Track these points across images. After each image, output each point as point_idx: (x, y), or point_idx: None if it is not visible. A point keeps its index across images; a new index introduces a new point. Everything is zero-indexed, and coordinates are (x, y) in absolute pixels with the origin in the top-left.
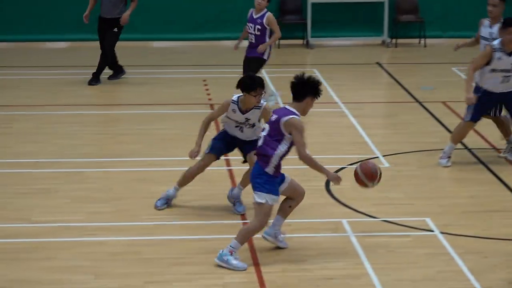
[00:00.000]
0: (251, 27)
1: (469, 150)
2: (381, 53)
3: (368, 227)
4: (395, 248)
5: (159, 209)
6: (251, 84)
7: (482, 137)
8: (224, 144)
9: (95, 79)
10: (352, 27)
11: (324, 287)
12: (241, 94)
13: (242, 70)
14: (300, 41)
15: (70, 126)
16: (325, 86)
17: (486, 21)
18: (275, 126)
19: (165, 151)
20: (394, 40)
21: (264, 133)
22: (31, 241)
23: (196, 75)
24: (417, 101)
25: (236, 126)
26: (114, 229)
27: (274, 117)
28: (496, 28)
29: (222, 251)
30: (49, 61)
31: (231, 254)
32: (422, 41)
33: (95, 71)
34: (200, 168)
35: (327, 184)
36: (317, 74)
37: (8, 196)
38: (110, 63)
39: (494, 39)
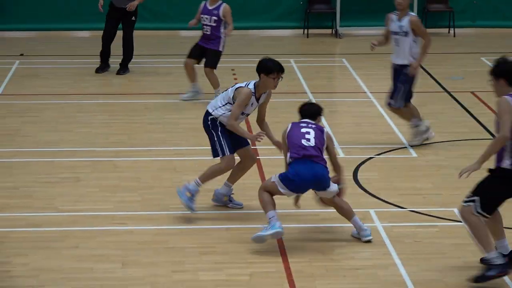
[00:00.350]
0: (206, 18)
1: None
2: None
3: (396, 217)
4: (423, 239)
5: (195, 211)
6: (272, 66)
7: None
8: (231, 139)
9: (122, 69)
10: (381, 16)
11: (351, 277)
12: (254, 81)
13: (193, 52)
14: (329, 31)
15: (98, 115)
16: (354, 75)
17: (393, 16)
18: (319, 134)
19: (193, 140)
20: None
21: (311, 136)
22: (59, 229)
23: (224, 64)
24: (446, 91)
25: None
26: (141, 218)
27: (310, 125)
28: (405, 21)
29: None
30: (75, 50)
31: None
32: (452, 30)
33: (121, 61)
34: (224, 170)
35: (355, 174)
36: (346, 64)
37: (36, 185)
38: (104, 53)
39: (405, 32)
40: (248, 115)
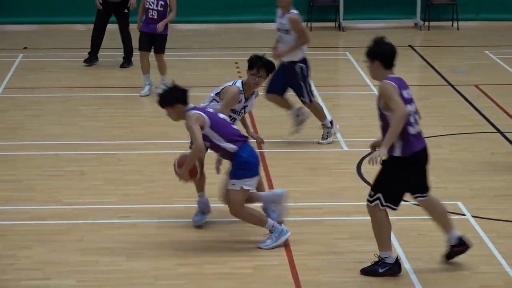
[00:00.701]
0: (152, 3)
1: (501, 133)
2: (413, 35)
3: (399, 211)
4: (427, 232)
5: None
6: (254, 62)
7: None
8: None
9: (126, 62)
10: (385, 9)
11: (355, 270)
12: (241, 79)
13: (142, 45)
14: (332, 24)
15: (101, 108)
16: (357, 68)
17: (279, 11)
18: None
19: None
20: (426, 23)
21: (231, 121)
22: (63, 223)
23: (227, 58)
24: (449, 84)
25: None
26: (145, 211)
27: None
28: (286, 18)
29: None
30: (78, 43)
31: None
32: (455, 23)
33: (124, 54)
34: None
35: (358, 167)
36: (349, 57)
37: (40, 178)
38: (95, 47)
39: (286, 30)
40: (241, 114)
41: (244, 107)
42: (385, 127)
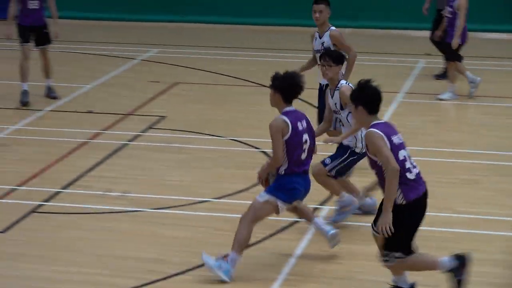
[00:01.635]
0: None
1: None
2: None
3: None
4: None
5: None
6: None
7: None
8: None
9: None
10: None
11: None
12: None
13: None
14: None
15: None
16: None
17: (316, 33)
18: (311, 134)
19: None
20: None
21: (307, 146)
22: (454, 231)
23: None
24: None
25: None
26: None
27: (305, 121)
28: (326, 37)
29: None
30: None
31: None
32: None
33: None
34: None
35: None
36: None
37: (432, 184)
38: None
39: (326, 48)
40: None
41: (335, 104)
42: (378, 173)
